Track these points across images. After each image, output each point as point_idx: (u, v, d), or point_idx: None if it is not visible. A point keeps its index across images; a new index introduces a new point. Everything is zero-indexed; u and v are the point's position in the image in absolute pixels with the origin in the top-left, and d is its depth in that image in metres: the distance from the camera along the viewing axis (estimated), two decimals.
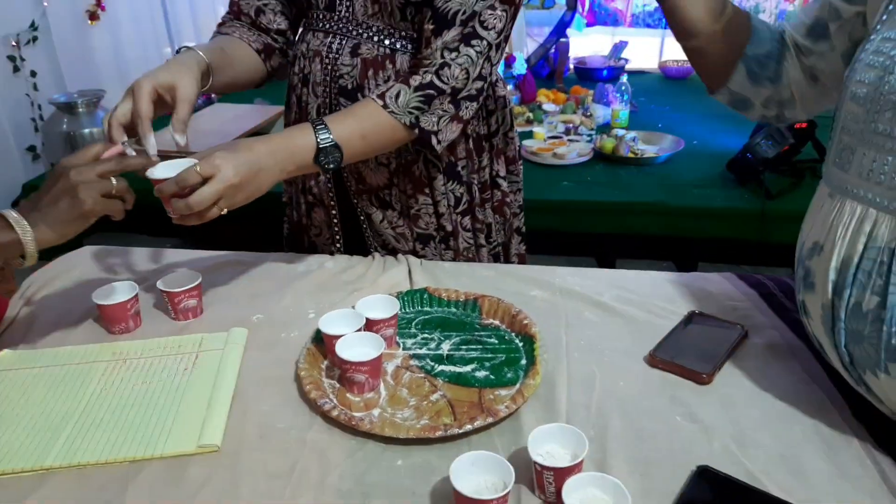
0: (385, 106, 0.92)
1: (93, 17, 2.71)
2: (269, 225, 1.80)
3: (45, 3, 2.51)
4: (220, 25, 1.11)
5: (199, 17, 3.65)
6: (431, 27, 0.94)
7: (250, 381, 0.82)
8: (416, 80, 0.93)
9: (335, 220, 1.13)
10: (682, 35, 0.88)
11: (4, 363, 0.84)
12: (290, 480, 0.67)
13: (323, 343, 0.84)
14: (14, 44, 2.40)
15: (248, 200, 0.86)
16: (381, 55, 0.99)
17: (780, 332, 0.88)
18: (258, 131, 2.55)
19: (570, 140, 2.54)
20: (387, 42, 0.99)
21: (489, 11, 0.93)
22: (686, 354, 0.83)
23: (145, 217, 2.45)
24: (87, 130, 2.34)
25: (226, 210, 0.83)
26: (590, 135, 2.58)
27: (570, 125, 2.68)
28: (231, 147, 0.84)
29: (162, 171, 0.82)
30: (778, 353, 0.85)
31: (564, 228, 2.14)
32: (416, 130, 0.94)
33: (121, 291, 0.91)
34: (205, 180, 0.79)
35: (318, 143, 0.88)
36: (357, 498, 0.65)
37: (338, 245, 1.16)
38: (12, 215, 0.74)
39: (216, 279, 1.04)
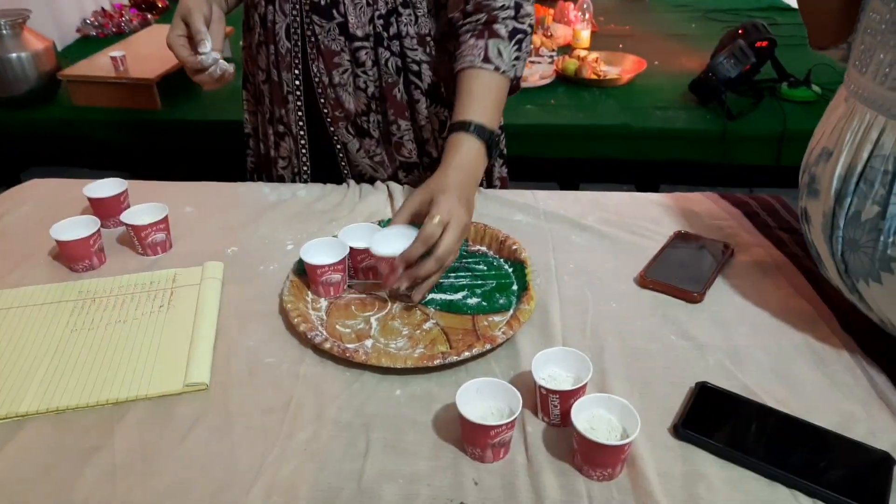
0: (497, 69, 0.90)
1: None
2: (228, 157, 1.71)
3: None
4: None
5: None
6: None
7: (232, 317, 0.78)
8: (503, 30, 0.90)
9: (304, 150, 1.07)
10: None
11: None
12: (287, 415, 0.65)
13: (306, 274, 0.81)
14: None
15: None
16: None
17: (766, 250, 0.89)
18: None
19: (531, 62, 2.47)
20: None
21: None
22: (675, 274, 0.83)
23: (84, 149, 2.32)
24: (13, 55, 2.15)
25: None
26: (551, 56, 2.51)
27: (531, 46, 2.61)
28: (441, 188, 0.80)
29: (381, 246, 0.76)
30: (765, 269, 0.85)
31: (528, 153, 2.11)
32: (516, 82, 0.93)
33: (81, 226, 0.84)
34: (442, 229, 0.76)
35: (479, 141, 0.87)
36: (358, 429, 0.63)
37: (304, 177, 1.10)
38: None
39: (182, 211, 0.98)
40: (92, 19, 2.96)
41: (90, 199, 0.92)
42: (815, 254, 0.74)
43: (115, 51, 2.24)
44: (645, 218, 0.97)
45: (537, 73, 2.33)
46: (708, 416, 0.63)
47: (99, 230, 0.85)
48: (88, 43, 2.79)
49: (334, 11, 0.94)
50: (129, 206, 0.93)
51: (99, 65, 2.24)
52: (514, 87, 0.95)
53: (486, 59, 0.89)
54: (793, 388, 0.67)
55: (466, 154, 0.86)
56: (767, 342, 0.74)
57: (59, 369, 0.69)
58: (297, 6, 0.95)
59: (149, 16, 3.06)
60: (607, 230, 0.94)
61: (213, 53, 0.89)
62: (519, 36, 0.91)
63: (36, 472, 0.59)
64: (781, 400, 0.66)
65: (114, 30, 2.90)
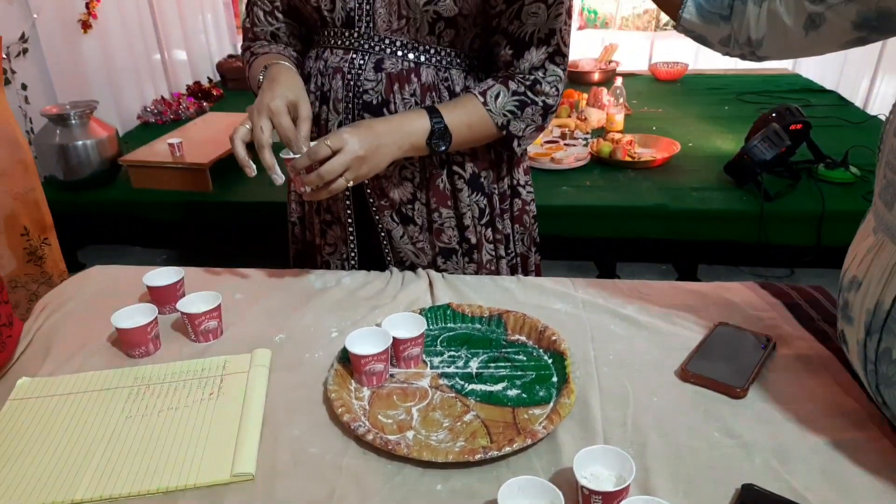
0: (485, 103, 0.99)
1: (85, 26, 2.67)
2: (272, 235, 1.78)
3: (35, 15, 2.47)
4: (246, 49, 1.11)
5: (188, 24, 3.61)
6: (510, 52, 0.99)
7: (278, 405, 0.80)
8: (513, 86, 0.99)
9: (351, 238, 1.12)
10: None
11: (23, 391, 0.82)
12: None
13: (350, 363, 0.83)
14: (4, 56, 2.35)
15: (370, 174, 0.95)
16: (405, 69, 0.99)
17: (808, 343, 0.88)
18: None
19: (566, 144, 2.54)
20: (411, 56, 0.99)
21: (564, 27, 0.98)
22: (717, 367, 0.83)
23: (139, 228, 2.43)
24: (80, 142, 2.30)
25: (351, 182, 0.92)
26: (585, 138, 2.58)
27: (566, 129, 2.68)
28: (355, 125, 0.94)
29: (290, 153, 0.92)
30: (809, 364, 0.85)
31: (565, 233, 2.14)
32: (504, 132, 1.01)
33: (140, 314, 0.89)
34: (333, 153, 0.89)
35: (432, 126, 0.96)
36: None
37: (352, 262, 1.14)
38: None
39: (232, 297, 1.02)
40: (152, 107, 3.17)
41: (149, 287, 0.97)
42: (855, 375, 0.73)
43: (173, 138, 2.39)
44: (684, 308, 0.97)
45: (572, 156, 2.38)
46: None
47: (156, 318, 0.89)
48: (148, 129, 2.98)
49: (385, 110, 1.00)
50: (184, 294, 0.98)
51: (157, 151, 2.39)
52: (508, 139, 1.03)
53: (483, 93, 1.00)
54: (843, 491, 0.66)
55: (404, 119, 0.96)
56: (815, 441, 0.72)
57: (113, 457, 0.72)
58: (350, 105, 1.02)
59: (204, 104, 3.25)
60: (647, 320, 0.95)
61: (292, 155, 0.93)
62: (522, 98, 1.00)
63: None
64: (830, 502, 0.64)
65: (171, 117, 3.09)
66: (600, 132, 2.65)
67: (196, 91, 3.42)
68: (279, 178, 0.93)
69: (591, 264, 2.42)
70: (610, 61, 3.58)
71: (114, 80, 2.95)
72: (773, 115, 2.28)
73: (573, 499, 0.64)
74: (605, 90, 2.92)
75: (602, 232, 2.15)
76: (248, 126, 0.92)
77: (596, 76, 3.43)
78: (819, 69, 3.47)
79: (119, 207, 2.34)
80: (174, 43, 3.49)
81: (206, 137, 2.50)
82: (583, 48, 3.91)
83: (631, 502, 0.60)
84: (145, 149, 2.43)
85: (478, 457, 0.69)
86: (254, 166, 0.93)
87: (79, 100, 2.44)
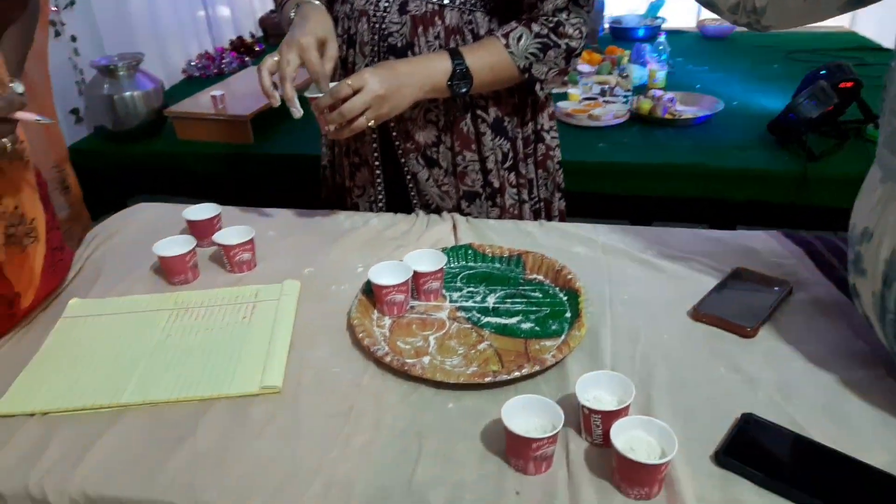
0: (507, 46, 1.00)
1: None
2: (309, 185, 1.83)
3: None
4: None
5: None
6: None
7: (304, 330, 0.86)
8: (536, 28, 1.00)
9: (378, 180, 1.16)
10: None
11: (75, 310, 0.89)
12: (348, 420, 0.71)
13: (373, 294, 0.87)
14: (55, 9, 2.43)
15: (392, 114, 0.98)
16: (429, 11, 1.00)
17: (826, 289, 0.89)
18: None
19: (605, 101, 2.50)
20: None
21: None
22: (730, 309, 0.84)
23: (183, 179, 2.52)
24: (127, 93, 2.38)
25: (373, 122, 0.95)
26: (626, 96, 2.54)
27: (606, 86, 2.63)
28: (377, 66, 0.97)
29: (315, 92, 0.96)
30: (823, 308, 0.85)
31: (600, 190, 2.12)
32: (527, 75, 1.02)
33: (180, 244, 0.95)
34: (355, 93, 0.92)
35: (453, 67, 0.98)
36: (412, 437, 0.68)
37: (380, 205, 1.18)
38: None
39: (266, 234, 1.08)
40: (196, 61, 3.23)
41: (188, 221, 1.03)
42: (867, 323, 0.74)
43: (215, 90, 2.45)
44: (704, 253, 0.98)
45: (611, 112, 2.35)
46: (751, 446, 0.65)
47: (194, 249, 0.95)
48: (192, 83, 3.05)
49: (409, 53, 1.02)
50: (221, 229, 1.03)
51: (200, 103, 2.45)
52: (530, 82, 1.04)
53: (505, 35, 1.01)
54: (842, 424, 0.67)
55: (426, 60, 0.99)
56: (820, 379, 0.74)
57: (154, 368, 0.78)
58: (376, 48, 1.04)
59: (246, 58, 3.30)
60: (665, 264, 0.96)
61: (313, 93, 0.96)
62: (545, 41, 1.01)
63: (131, 456, 0.68)
64: (830, 436, 0.66)
65: (215, 71, 3.15)
66: (641, 89, 2.61)
67: (239, 46, 3.47)
68: (298, 111, 0.96)
69: (625, 223, 2.41)
70: (655, 17, 3.48)
71: (159, 35, 3.02)
72: (823, 72, 2.20)
73: (576, 420, 0.68)
74: (648, 46, 2.85)
75: (637, 190, 2.13)
76: (275, 58, 0.95)
77: (641, 32, 3.35)
78: (878, 27, 3.31)
79: (165, 159, 2.42)
80: None
81: (247, 91, 2.55)
82: (628, 3, 3.81)
83: (627, 420, 0.63)
84: (189, 101, 2.49)
85: (487, 379, 0.73)
86: (277, 96, 0.96)
87: (125, 52, 2.52)
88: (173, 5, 3.12)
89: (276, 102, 0.96)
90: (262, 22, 3.80)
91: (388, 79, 0.94)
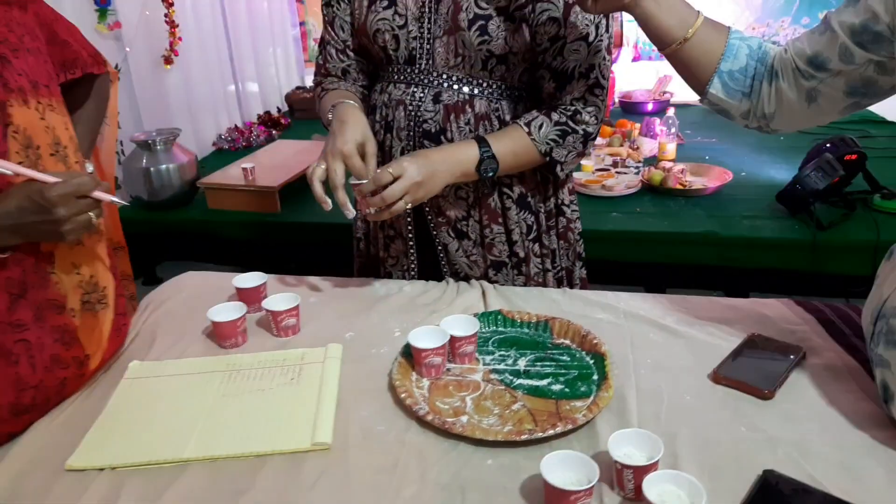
0: (529, 133, 1.10)
1: (167, 61, 2.93)
2: (334, 253, 1.92)
3: (128, 49, 2.73)
4: (317, 85, 1.25)
5: (260, 58, 3.88)
6: (553, 85, 1.10)
7: (349, 391, 0.92)
8: (555, 117, 1.10)
9: (412, 251, 1.24)
10: (657, 43, 0.95)
11: (135, 371, 0.96)
12: (395, 475, 0.76)
13: (412, 357, 0.94)
14: None
15: (426, 197, 1.07)
16: (461, 101, 1.11)
17: (838, 354, 0.94)
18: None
19: (617, 172, 2.61)
20: (465, 89, 1.11)
21: (603, 62, 1.08)
22: (748, 372, 0.90)
23: (212, 245, 2.62)
24: (163, 166, 2.51)
25: (410, 205, 1.04)
26: (637, 167, 2.64)
27: (618, 158, 2.75)
28: (413, 154, 1.06)
29: (358, 180, 1.05)
30: (836, 373, 0.91)
31: (615, 258, 2.19)
32: (548, 158, 1.11)
33: (231, 311, 1.02)
34: (394, 179, 1.01)
35: (481, 154, 1.07)
36: (456, 490, 0.73)
37: (412, 273, 1.26)
38: None
39: (307, 301, 1.15)
40: (226, 135, 3.41)
41: (237, 289, 1.11)
42: (886, 395, 0.77)
43: (246, 163, 2.59)
44: (720, 320, 1.04)
45: (623, 183, 2.45)
46: (774, 500, 0.69)
47: (245, 314, 1.03)
48: (222, 154, 3.21)
49: (442, 137, 1.12)
50: (266, 296, 1.11)
51: (231, 174, 2.59)
52: (551, 164, 1.13)
53: (527, 124, 1.10)
54: (859, 481, 0.72)
55: (456, 148, 1.09)
56: (836, 439, 0.79)
57: (212, 426, 0.85)
58: (412, 133, 1.14)
59: (273, 132, 3.48)
60: (684, 330, 1.02)
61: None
62: (564, 128, 1.10)
63: None
64: (846, 490, 0.70)
65: (243, 144, 3.32)
66: (652, 161, 2.71)
67: (266, 120, 3.66)
68: (350, 213, 1.06)
69: (640, 290, 2.47)
70: (663, 92, 3.64)
71: (193, 110, 3.21)
72: (828, 145, 2.29)
73: (609, 476, 0.73)
74: (657, 120, 2.98)
75: (652, 257, 2.20)
76: (323, 167, 1.05)
77: (649, 107, 3.50)
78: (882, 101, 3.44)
79: (195, 226, 2.53)
80: (248, 76, 3.76)
81: (275, 163, 2.69)
82: (637, 79, 3.98)
83: (657, 475, 0.68)
84: (220, 172, 2.63)
85: (524, 437, 0.78)
86: (330, 202, 1.05)
87: (163, 127, 2.67)
88: (208, 81, 3.32)
89: (329, 208, 1.05)
90: (288, 98, 4.01)
91: (424, 166, 1.03)
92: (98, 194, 0.84)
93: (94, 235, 0.91)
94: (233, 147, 3.29)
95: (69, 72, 0.97)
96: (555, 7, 1.04)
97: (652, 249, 2.18)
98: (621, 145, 2.90)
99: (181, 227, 2.54)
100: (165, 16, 2.80)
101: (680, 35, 0.91)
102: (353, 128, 1.06)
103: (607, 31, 1.07)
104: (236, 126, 3.51)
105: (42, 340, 0.83)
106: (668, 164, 2.51)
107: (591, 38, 1.06)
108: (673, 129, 2.92)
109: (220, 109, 3.48)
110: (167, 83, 3.02)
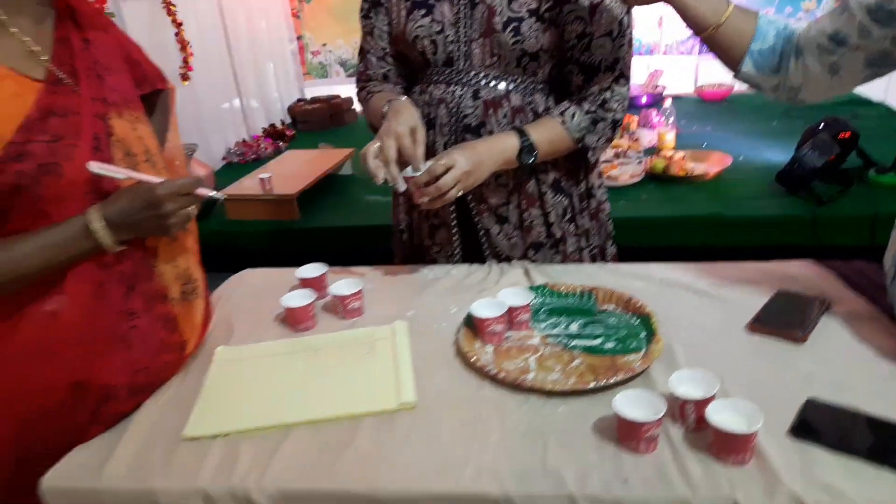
0: (563, 122, 1.20)
1: (184, 77, 3.01)
2: (347, 256, 2.01)
3: None
4: (361, 90, 1.35)
5: (260, 73, 3.98)
6: (581, 78, 1.21)
7: (420, 360, 1.00)
8: (586, 106, 1.20)
9: (455, 238, 1.33)
10: (693, 28, 1.06)
11: (223, 355, 1.05)
12: (478, 426, 0.85)
13: (474, 327, 1.03)
14: None
15: (475, 185, 1.17)
16: (497, 96, 1.21)
17: (860, 304, 1.05)
18: (331, 172, 2.78)
19: (620, 163, 2.71)
20: (501, 85, 1.21)
21: (626, 55, 1.20)
22: (781, 321, 1.00)
23: (230, 255, 2.69)
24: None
25: (461, 192, 1.13)
26: (639, 157, 2.75)
27: (619, 150, 2.85)
28: (460, 147, 1.16)
29: (411, 172, 1.13)
30: (860, 318, 1.01)
31: (623, 243, 2.29)
32: (580, 145, 1.22)
33: (302, 297, 1.11)
34: (446, 170, 1.10)
35: (521, 143, 1.18)
36: (535, 434, 0.83)
37: (456, 258, 1.35)
38: (98, 233, 0.85)
39: (366, 287, 1.24)
40: (235, 148, 3.49)
41: (302, 279, 1.19)
42: None
43: (262, 173, 2.67)
44: (748, 281, 1.14)
45: (627, 173, 2.55)
46: (818, 421, 0.79)
47: (315, 300, 1.12)
48: (233, 168, 3.29)
49: (482, 130, 1.22)
50: (327, 285, 1.19)
51: (248, 185, 2.67)
52: (583, 150, 1.23)
53: (561, 114, 1.21)
54: (892, 407, 0.82)
55: (498, 139, 1.18)
56: (868, 373, 0.89)
57: (307, 394, 0.94)
58: (453, 128, 1.24)
59: (280, 144, 3.56)
60: (716, 292, 1.12)
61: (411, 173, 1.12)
62: (594, 116, 1.21)
63: (308, 460, 0.82)
64: (883, 412, 0.80)
65: (253, 157, 3.40)
66: (652, 151, 2.81)
67: (272, 133, 3.75)
68: (402, 185, 1.14)
69: None
70: (655, 86, 3.76)
71: (202, 126, 3.29)
72: (821, 125, 2.41)
73: (671, 413, 0.82)
74: (654, 111, 3.09)
75: (660, 241, 2.30)
76: (377, 145, 1.14)
77: (644, 100, 3.61)
78: (866, 84, 3.56)
79: (213, 237, 2.61)
80: (250, 91, 3.85)
81: (288, 172, 2.78)
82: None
83: (717, 403, 0.77)
84: (237, 184, 2.72)
85: (591, 385, 0.88)
86: (381, 175, 1.13)
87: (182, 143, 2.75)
88: (214, 97, 3.41)
89: (380, 181, 1.12)
90: (291, 110, 4.10)
91: (472, 157, 1.13)
92: (201, 191, 0.93)
93: (185, 231, 1.00)
94: (242, 160, 3.36)
95: (141, 88, 1.06)
96: (581, 7, 1.14)
97: (660, 234, 2.27)
98: (621, 137, 3.01)
99: (202, 238, 2.61)
100: (176, 34, 2.88)
101: (714, 21, 1.03)
102: (407, 115, 1.14)
103: (629, 26, 1.18)
104: (244, 140, 3.60)
105: (151, 327, 0.92)
106: (668, 153, 2.61)
107: (614, 34, 1.16)
108: (671, 119, 3.02)
109: (227, 124, 3.56)
110: (179, 100, 3.10)
